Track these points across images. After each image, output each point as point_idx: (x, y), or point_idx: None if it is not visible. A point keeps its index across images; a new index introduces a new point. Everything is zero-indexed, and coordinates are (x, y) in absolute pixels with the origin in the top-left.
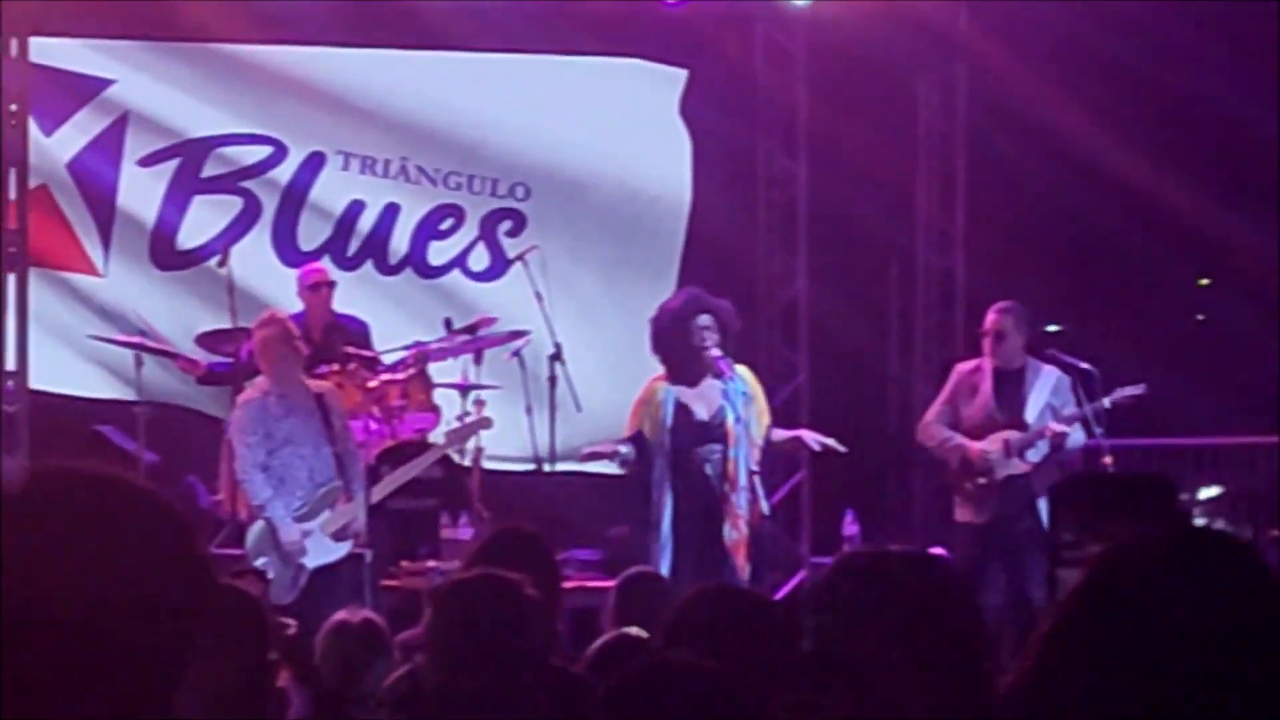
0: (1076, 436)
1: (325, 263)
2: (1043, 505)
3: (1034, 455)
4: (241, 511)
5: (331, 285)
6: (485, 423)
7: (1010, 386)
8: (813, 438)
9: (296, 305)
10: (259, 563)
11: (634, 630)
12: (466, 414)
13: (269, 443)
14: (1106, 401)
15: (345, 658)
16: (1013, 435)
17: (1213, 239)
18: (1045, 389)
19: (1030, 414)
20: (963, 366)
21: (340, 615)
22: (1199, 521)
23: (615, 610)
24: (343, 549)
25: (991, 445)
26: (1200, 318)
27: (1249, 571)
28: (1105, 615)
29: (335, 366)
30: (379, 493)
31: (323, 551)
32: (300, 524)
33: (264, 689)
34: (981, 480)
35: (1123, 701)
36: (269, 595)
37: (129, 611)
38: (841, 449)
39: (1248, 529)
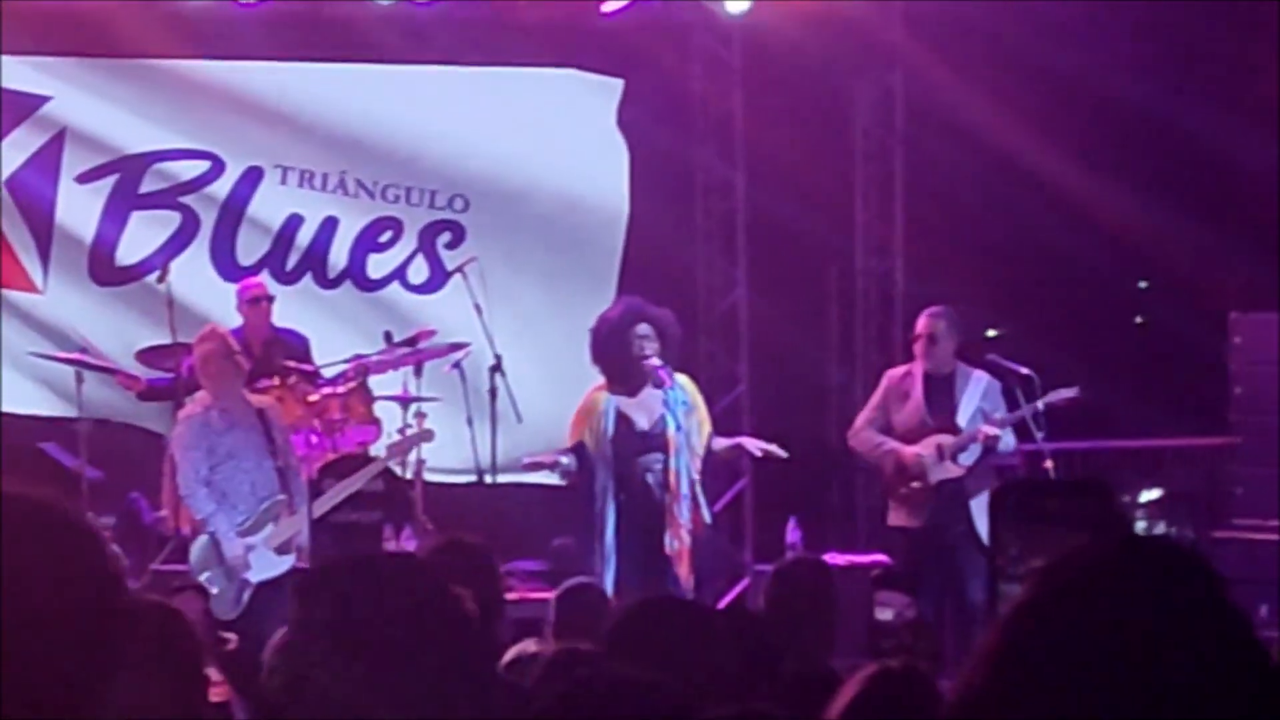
0: (1008, 440)
1: (264, 277)
2: (976, 508)
3: (966, 459)
4: (185, 527)
5: (270, 299)
6: (427, 435)
7: (941, 391)
8: (754, 444)
9: (236, 320)
10: (203, 578)
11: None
12: (408, 426)
13: (211, 458)
14: (1041, 404)
15: (293, 672)
16: (945, 439)
17: (1151, 241)
18: (976, 393)
19: (962, 418)
20: (893, 372)
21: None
22: (1140, 524)
23: (555, 622)
24: (286, 563)
25: (925, 449)
26: (1139, 320)
27: (1197, 579)
28: (1050, 631)
29: (275, 381)
30: (321, 506)
31: (267, 566)
32: (244, 538)
33: (195, 707)
34: (916, 484)
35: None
36: (209, 610)
37: (42, 630)
38: (782, 454)
39: (1189, 530)
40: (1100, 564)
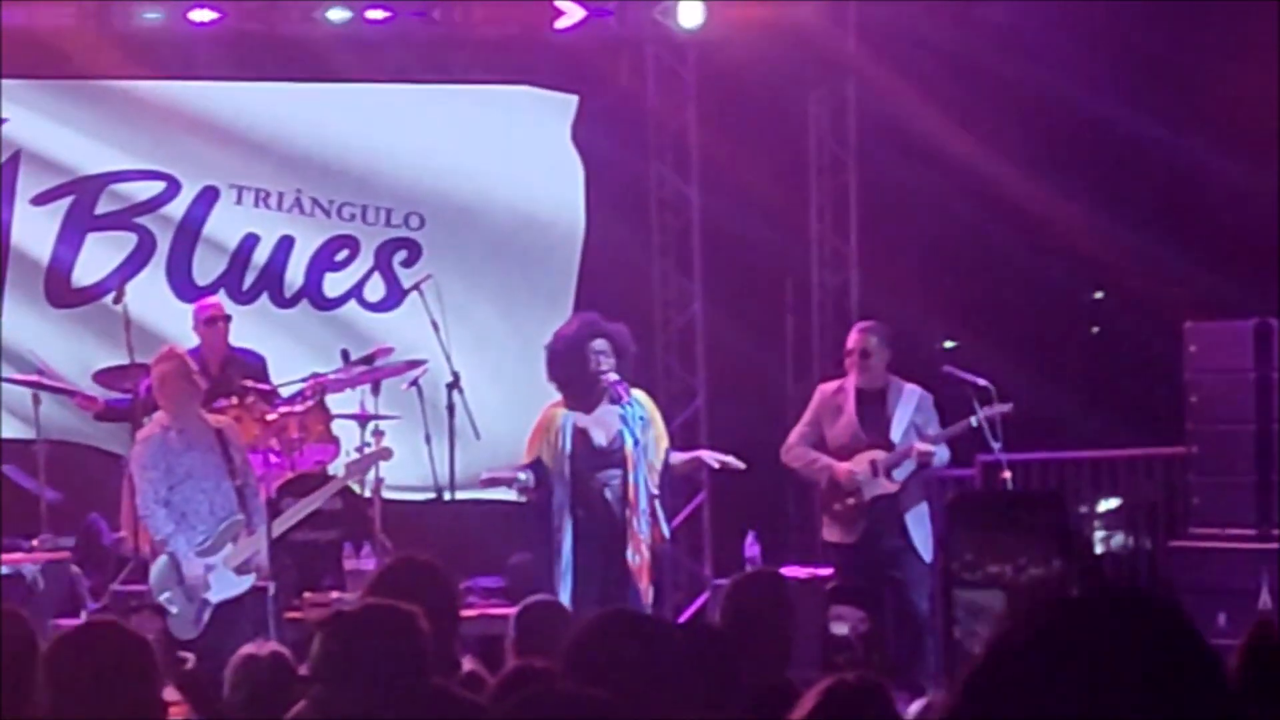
0: (942, 454)
1: (221, 297)
2: (911, 522)
3: (900, 474)
4: (145, 547)
5: (227, 319)
6: (385, 453)
7: (874, 406)
8: (711, 456)
9: (193, 340)
10: (162, 598)
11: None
12: (366, 445)
13: (170, 478)
14: (974, 420)
15: (253, 691)
16: (879, 455)
17: (1106, 252)
18: (909, 408)
19: (895, 433)
20: (825, 387)
21: (248, 648)
22: (1098, 534)
23: (515, 639)
24: (246, 582)
25: (858, 465)
26: (1095, 330)
27: (1173, 633)
28: (1021, 686)
29: (233, 400)
30: (280, 526)
31: (226, 585)
32: (203, 558)
33: None
34: (850, 500)
35: None
36: (168, 629)
37: None
38: (740, 465)
39: (1147, 541)
40: (1074, 618)
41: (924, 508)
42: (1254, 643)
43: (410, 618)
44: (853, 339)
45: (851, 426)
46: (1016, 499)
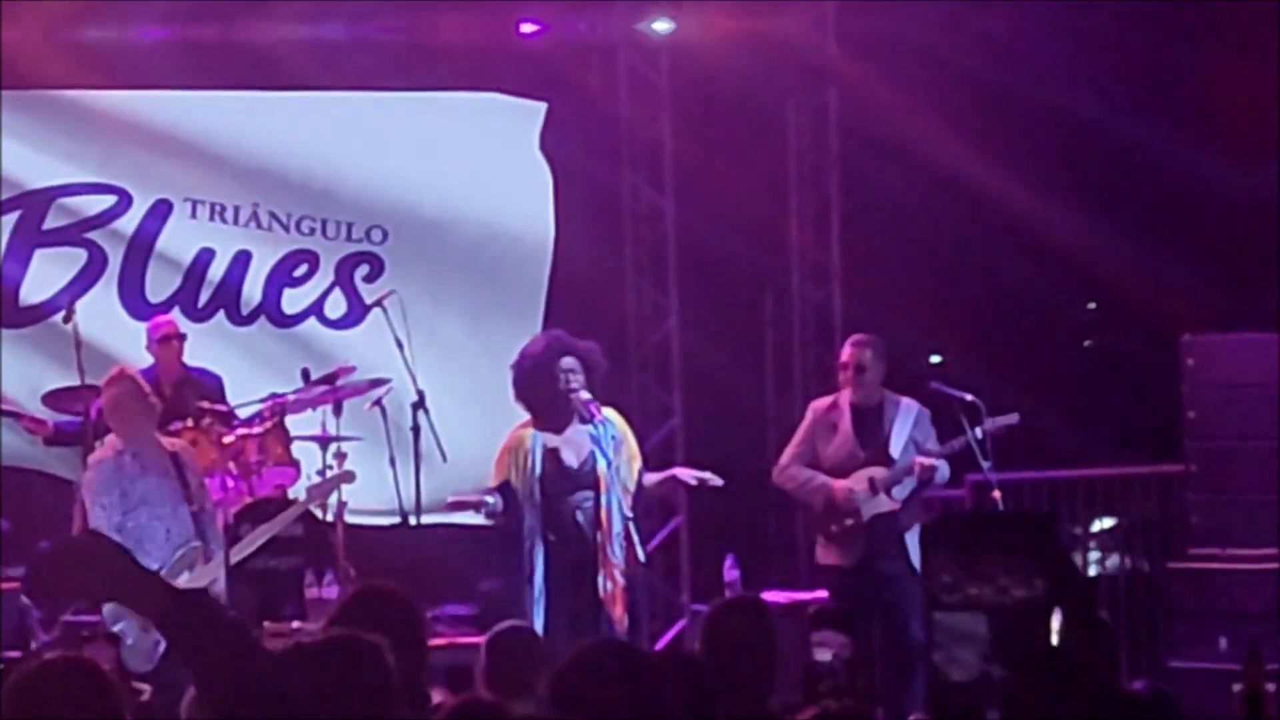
0: (944, 471)
1: (175, 314)
2: (911, 542)
3: (900, 492)
4: None
5: (182, 338)
6: (347, 476)
7: (870, 422)
8: (687, 474)
9: (146, 360)
10: (116, 629)
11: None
12: (328, 468)
13: (124, 503)
14: (978, 432)
15: None
16: (877, 473)
17: (1099, 262)
18: (907, 423)
19: (894, 449)
20: (819, 404)
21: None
22: (1093, 555)
23: (486, 668)
24: None
25: (856, 484)
26: (1088, 343)
27: None
28: None
29: (188, 422)
30: (239, 553)
31: None
32: None
33: None
34: (849, 521)
35: None
36: (120, 660)
37: None
38: (718, 481)
39: (1144, 562)
40: None
41: None
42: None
43: (375, 650)
44: (846, 352)
45: (848, 444)
46: (998, 517)
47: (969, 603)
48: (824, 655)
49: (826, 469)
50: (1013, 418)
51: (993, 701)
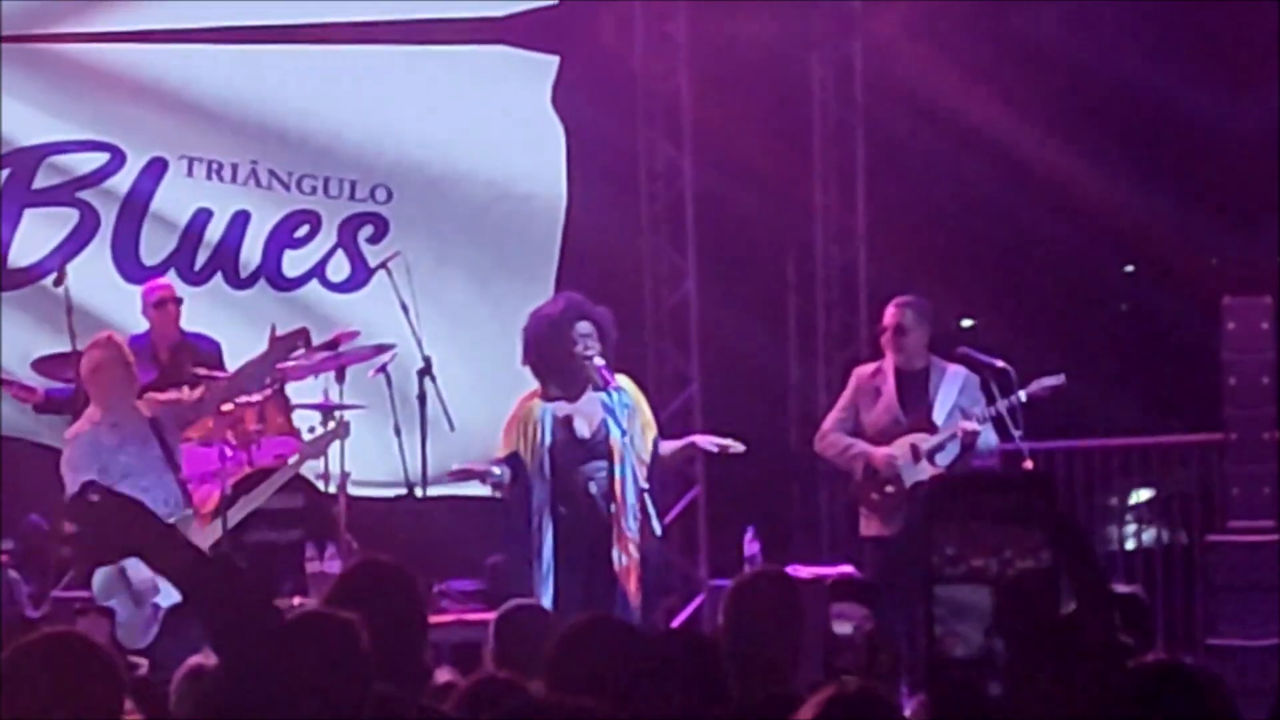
0: (989, 437)
1: (171, 277)
2: None
3: (943, 459)
4: None
5: (179, 301)
6: (343, 429)
7: (914, 387)
8: (707, 440)
9: (140, 324)
10: (109, 604)
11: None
12: (324, 427)
13: (104, 477)
14: (1023, 395)
15: (198, 704)
16: (921, 439)
17: (1137, 222)
18: (953, 389)
19: (939, 415)
20: (862, 370)
21: (195, 659)
22: (1129, 528)
23: (495, 647)
24: None
25: (898, 450)
26: (1125, 307)
27: None
28: None
29: (184, 390)
30: (233, 518)
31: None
32: None
33: None
34: (889, 489)
35: None
36: (114, 633)
37: None
38: (740, 448)
39: (1182, 535)
40: None
41: None
42: None
43: (348, 625)
44: (888, 315)
45: (891, 409)
46: (1002, 483)
47: (972, 575)
48: (844, 628)
49: (869, 435)
50: (1059, 379)
51: (995, 675)
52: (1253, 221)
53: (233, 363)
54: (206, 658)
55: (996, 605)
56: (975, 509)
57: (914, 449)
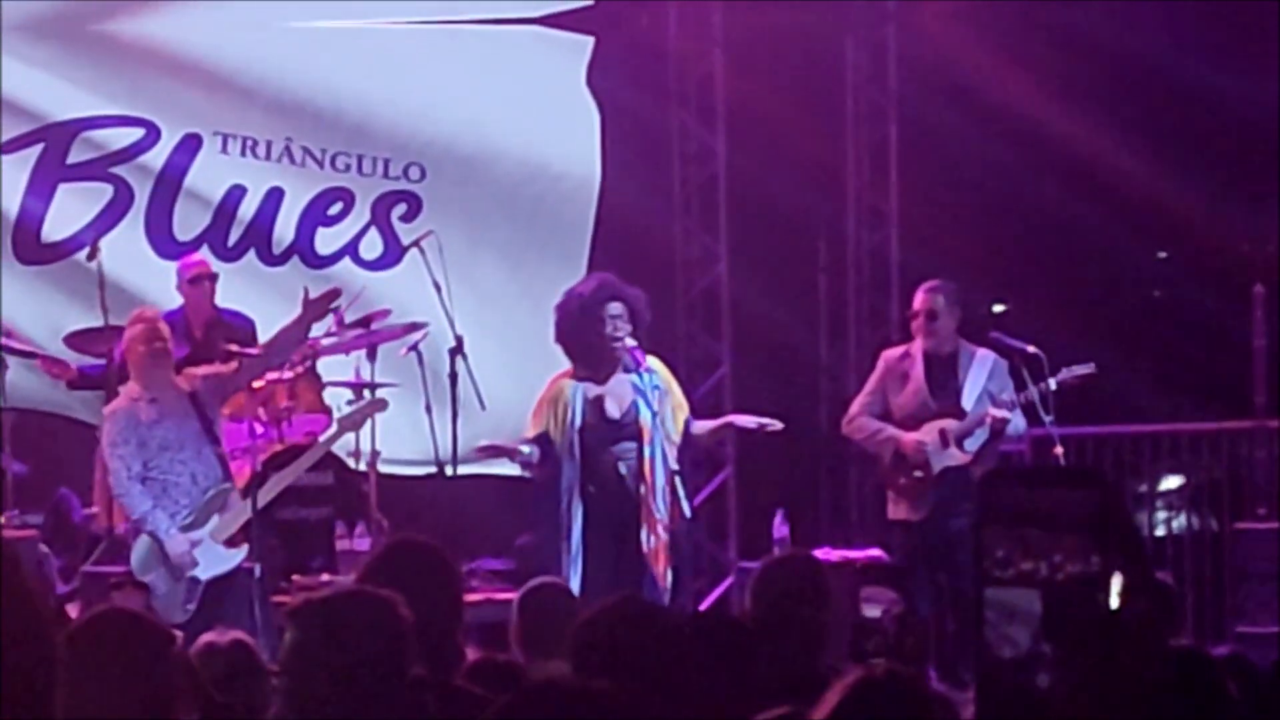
0: (1018, 422)
1: (204, 253)
2: None
3: (972, 444)
4: (120, 525)
5: (214, 278)
6: (380, 404)
7: (943, 372)
8: (745, 419)
9: (174, 300)
10: (146, 579)
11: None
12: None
13: (144, 452)
14: (1053, 383)
15: (212, 682)
16: (949, 424)
17: (1170, 208)
18: (982, 374)
19: (967, 401)
20: (890, 353)
21: (208, 636)
22: (1159, 515)
23: (519, 626)
24: (236, 557)
25: (927, 435)
26: (1157, 294)
27: None
28: None
29: (216, 366)
30: (265, 495)
31: (215, 561)
32: (187, 534)
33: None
34: (918, 474)
35: None
36: (150, 607)
37: None
38: (777, 425)
39: (1211, 522)
40: None
41: None
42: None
43: (388, 604)
44: (918, 299)
45: (920, 394)
46: (1056, 479)
47: (1022, 579)
48: (873, 611)
49: (897, 420)
50: (1089, 367)
51: (1043, 671)
52: None
53: (264, 339)
54: (219, 636)
55: (1045, 608)
56: (1026, 511)
57: (943, 434)
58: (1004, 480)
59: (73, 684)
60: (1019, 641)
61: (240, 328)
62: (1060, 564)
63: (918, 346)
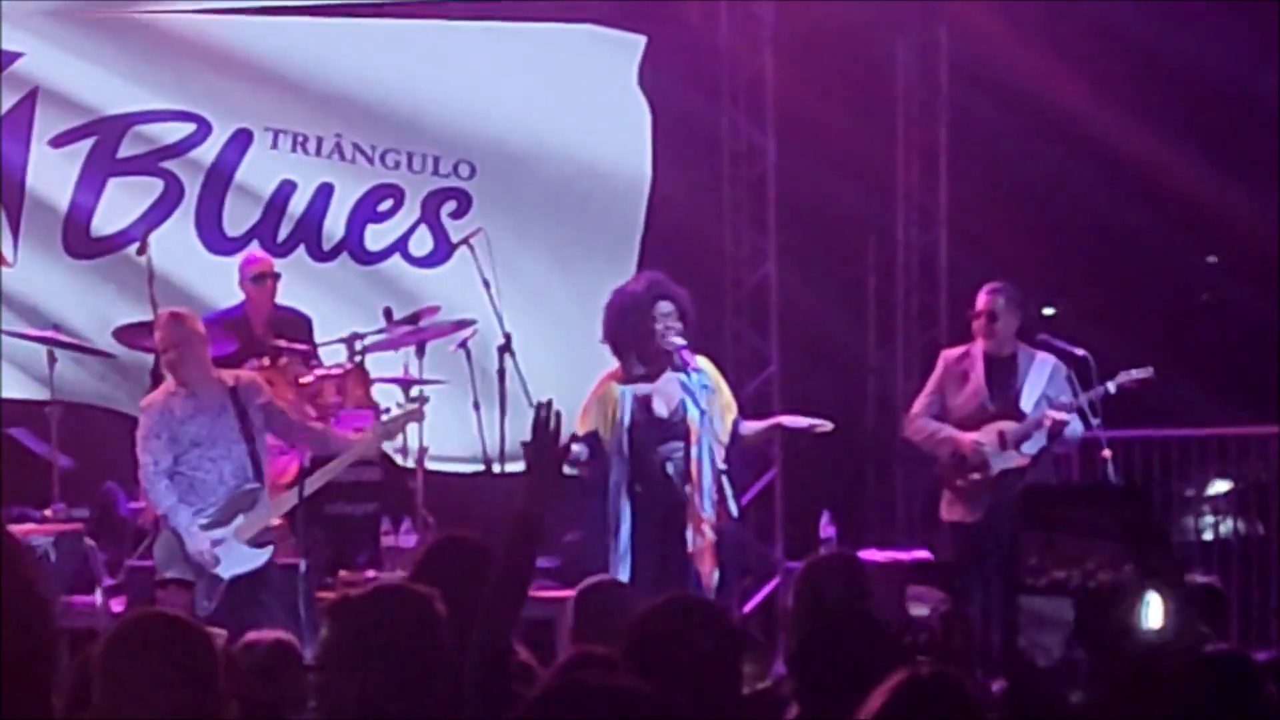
0: (1076, 426)
1: (253, 248)
2: None
3: (1030, 448)
4: None
5: (276, 276)
6: (418, 413)
7: (1002, 374)
8: (794, 420)
9: (222, 294)
10: (168, 575)
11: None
12: (398, 405)
13: (175, 447)
14: (1111, 386)
15: (252, 679)
16: (1008, 426)
17: (1220, 212)
18: (1041, 377)
19: (1026, 403)
20: (950, 353)
21: (251, 635)
22: (1206, 520)
23: (574, 624)
24: (262, 556)
25: (986, 437)
26: (1206, 297)
27: None
28: None
29: (265, 361)
30: (311, 488)
31: (238, 560)
32: (210, 531)
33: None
34: (975, 476)
35: None
36: (193, 606)
37: None
38: (827, 426)
39: (1259, 527)
40: None
41: None
42: None
43: (425, 600)
44: (980, 300)
45: (979, 395)
46: (1094, 496)
47: (1055, 587)
48: (920, 610)
49: (955, 421)
50: (1147, 371)
51: (1077, 683)
52: None
53: (320, 335)
54: (262, 635)
55: (1077, 616)
56: (1062, 521)
57: (1002, 436)
58: (1043, 493)
59: (111, 685)
60: (1051, 649)
61: (299, 324)
62: (1092, 572)
63: (978, 347)
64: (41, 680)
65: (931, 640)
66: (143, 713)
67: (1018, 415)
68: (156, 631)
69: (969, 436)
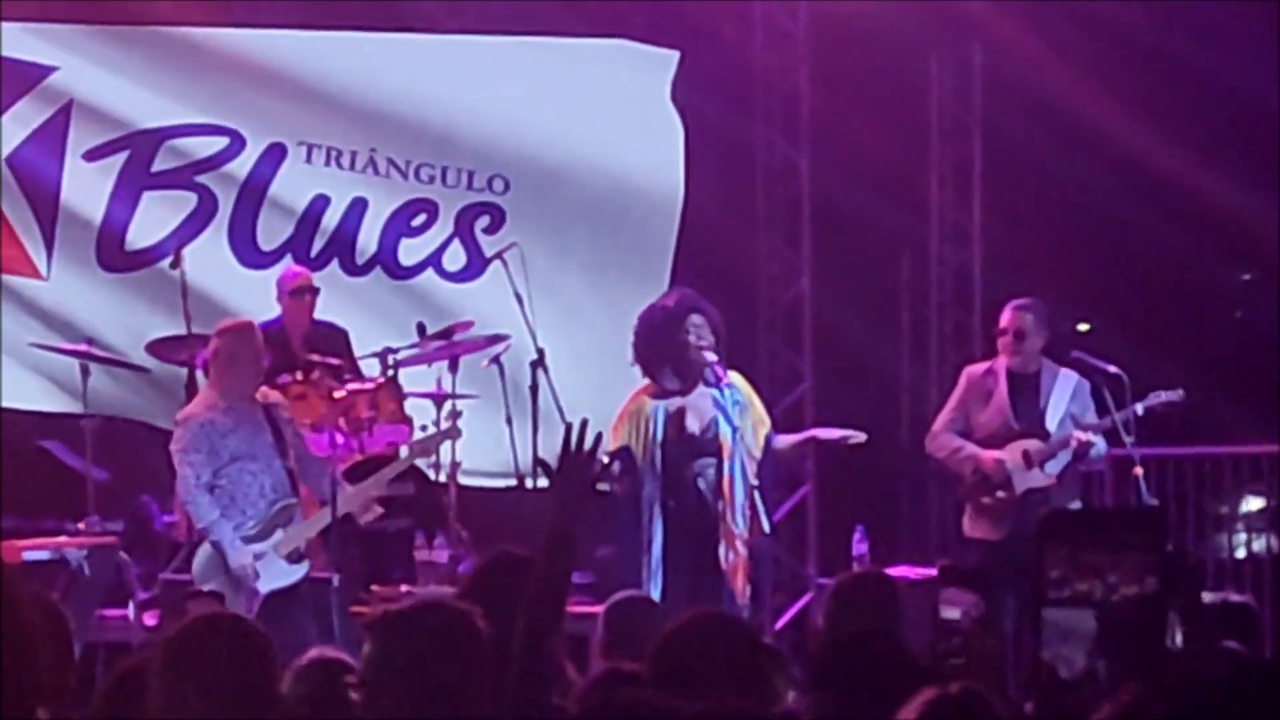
0: (1101, 446)
1: (286, 262)
2: None
3: (1054, 467)
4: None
5: (315, 291)
6: (453, 433)
7: (1026, 391)
8: (827, 432)
9: (255, 308)
10: (206, 589)
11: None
12: (435, 425)
13: (215, 460)
14: (1139, 408)
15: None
16: (1032, 445)
17: (1254, 229)
18: (1065, 394)
19: (1050, 422)
20: (973, 370)
21: (312, 653)
22: (1240, 537)
23: (604, 639)
24: (299, 571)
25: (1010, 455)
26: (1239, 314)
27: None
28: None
29: (298, 375)
30: (341, 510)
31: (277, 575)
32: (250, 545)
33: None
34: (1000, 494)
35: None
36: None
37: None
38: (860, 437)
39: None
40: None
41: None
42: None
43: (466, 616)
44: (1006, 317)
45: (1002, 413)
46: (1116, 518)
47: (1078, 599)
48: (952, 613)
49: (978, 438)
50: (1177, 394)
51: (1099, 697)
52: None
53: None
54: (321, 653)
55: (1100, 629)
56: (1083, 535)
57: (1027, 455)
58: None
59: (172, 685)
60: (1074, 661)
61: (338, 339)
62: (1115, 585)
63: (1001, 364)
64: (17, 678)
65: (963, 644)
66: (203, 713)
67: (1043, 433)
68: (220, 632)
69: (991, 454)
